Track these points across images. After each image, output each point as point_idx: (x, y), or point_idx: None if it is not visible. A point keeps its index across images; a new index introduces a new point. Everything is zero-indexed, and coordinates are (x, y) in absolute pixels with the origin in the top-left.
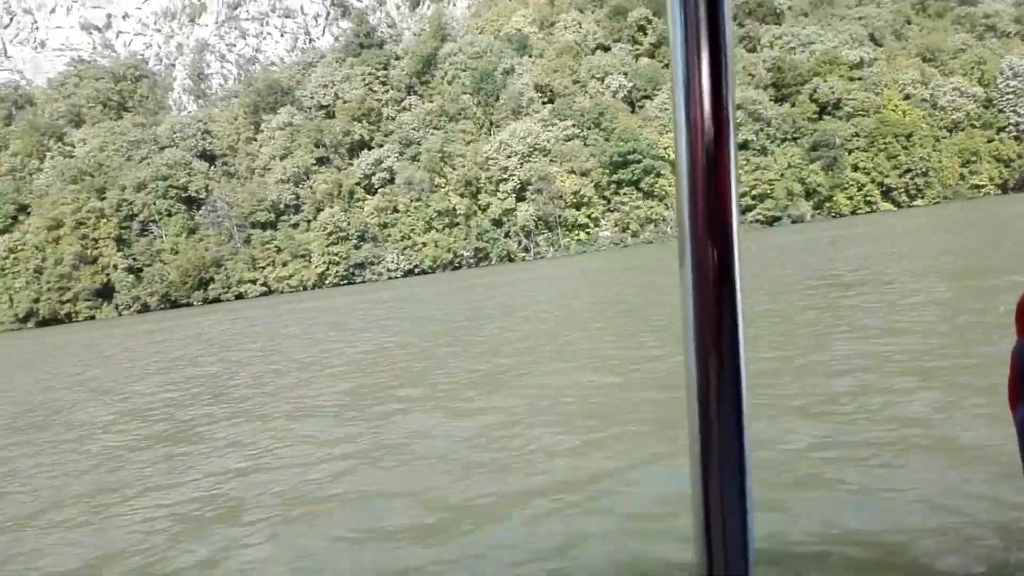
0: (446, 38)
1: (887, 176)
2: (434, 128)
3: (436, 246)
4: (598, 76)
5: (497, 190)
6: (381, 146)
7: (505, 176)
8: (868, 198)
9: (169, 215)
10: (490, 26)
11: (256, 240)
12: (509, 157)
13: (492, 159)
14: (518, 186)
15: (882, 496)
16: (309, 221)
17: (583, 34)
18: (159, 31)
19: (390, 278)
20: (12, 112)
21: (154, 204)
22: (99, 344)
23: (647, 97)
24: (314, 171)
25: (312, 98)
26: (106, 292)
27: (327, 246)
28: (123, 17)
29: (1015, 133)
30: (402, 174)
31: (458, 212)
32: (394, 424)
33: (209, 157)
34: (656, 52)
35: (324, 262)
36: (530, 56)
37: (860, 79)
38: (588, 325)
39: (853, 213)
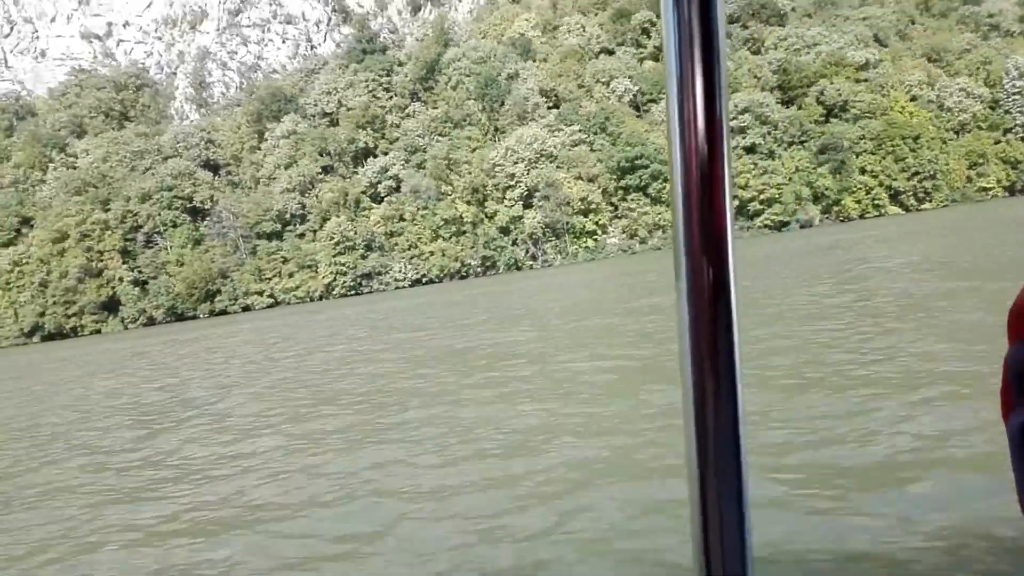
0: (449, 43)
1: (895, 179)
2: (439, 135)
3: (443, 255)
4: (603, 80)
5: (504, 197)
6: (386, 153)
7: (512, 183)
8: (876, 201)
9: (174, 226)
10: (493, 31)
11: (262, 251)
12: (516, 163)
13: (499, 166)
14: (525, 193)
15: None
16: (315, 231)
17: (587, 38)
18: (160, 39)
19: (397, 288)
20: (13, 123)
21: (159, 215)
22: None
23: (652, 101)
24: (319, 180)
25: (316, 105)
26: (112, 305)
27: (334, 256)
28: (123, 25)
29: (1022, 135)
30: (408, 182)
31: (465, 220)
32: None
33: (213, 167)
34: (660, 55)
35: (331, 272)
36: (534, 61)
37: (866, 80)
38: None
39: (861, 217)
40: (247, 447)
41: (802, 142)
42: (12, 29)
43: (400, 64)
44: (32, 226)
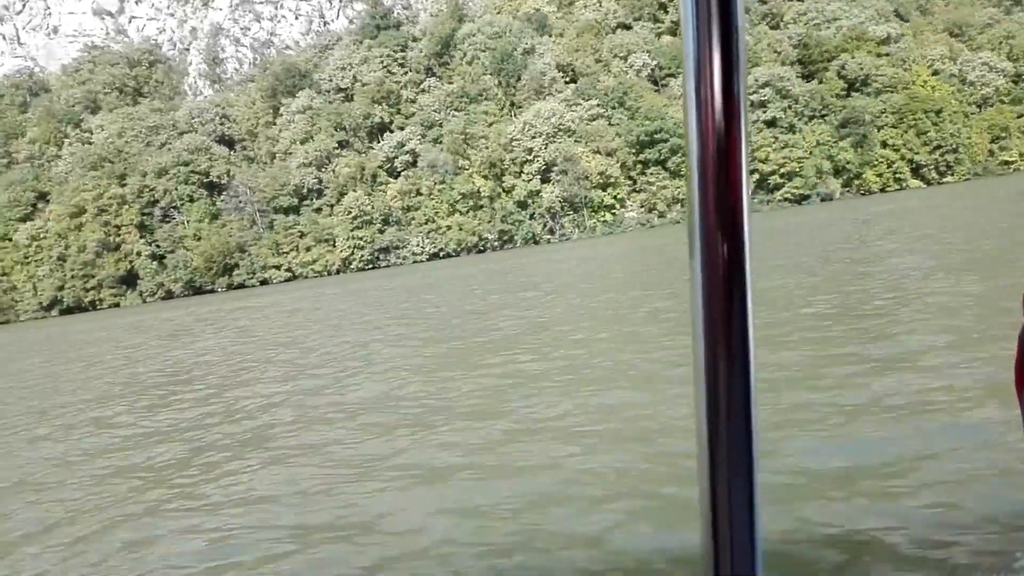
0: (463, 19)
1: (917, 153)
2: (455, 110)
3: (460, 229)
4: (621, 55)
5: (522, 171)
6: (402, 128)
7: (529, 157)
8: (898, 175)
9: (191, 200)
10: (508, 6)
11: (279, 225)
12: (534, 138)
13: (516, 140)
14: (543, 167)
15: None
16: (332, 205)
17: (603, 13)
18: (172, 15)
19: (415, 262)
20: (27, 99)
21: (176, 190)
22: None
23: (671, 76)
24: (336, 155)
25: (330, 81)
26: (130, 279)
27: (352, 230)
28: (136, 2)
29: None
30: (425, 157)
31: (482, 194)
32: None
33: (228, 142)
34: (678, 30)
35: (349, 246)
36: (550, 36)
37: (887, 55)
38: None
39: (882, 191)
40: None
41: (823, 116)
42: (24, 6)
43: (415, 40)
44: (48, 201)
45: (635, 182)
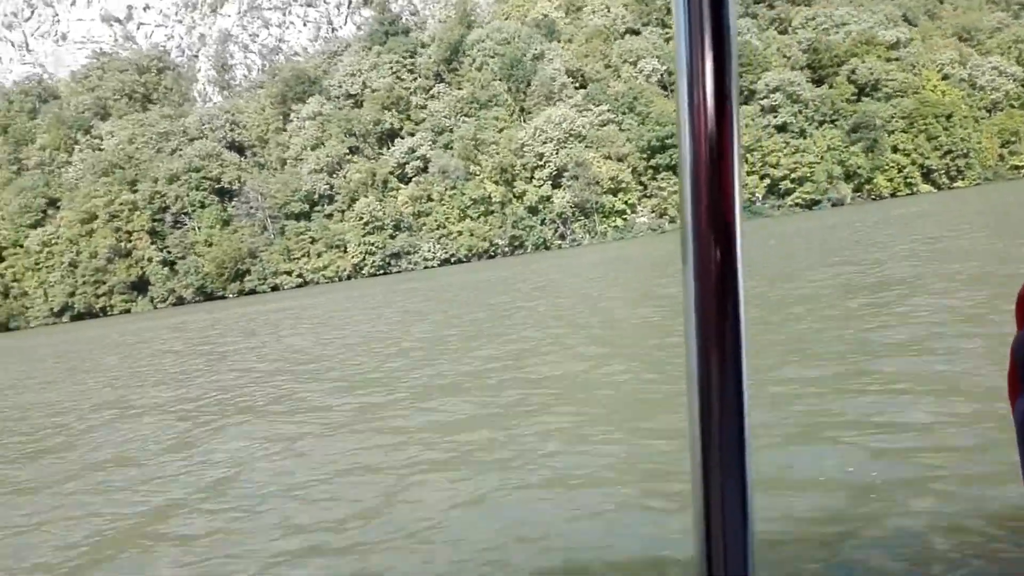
0: (472, 25)
1: (927, 157)
2: (465, 115)
3: (472, 235)
4: (630, 60)
5: (533, 177)
6: (412, 134)
7: (540, 163)
8: (908, 180)
9: (202, 206)
10: (516, 12)
11: (290, 231)
12: (545, 143)
13: (527, 145)
14: (554, 172)
15: None
16: (343, 211)
17: (612, 18)
18: (180, 22)
19: (426, 267)
20: (36, 106)
21: (187, 196)
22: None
23: None
24: (347, 160)
25: (340, 87)
26: (141, 285)
27: (363, 236)
28: (144, 9)
29: None
30: (436, 162)
31: (493, 200)
32: None
33: (238, 148)
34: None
35: (360, 252)
36: (559, 41)
37: (897, 59)
38: None
39: (893, 195)
40: None
41: (833, 121)
42: (33, 13)
43: (423, 46)
44: (59, 207)
45: (646, 187)
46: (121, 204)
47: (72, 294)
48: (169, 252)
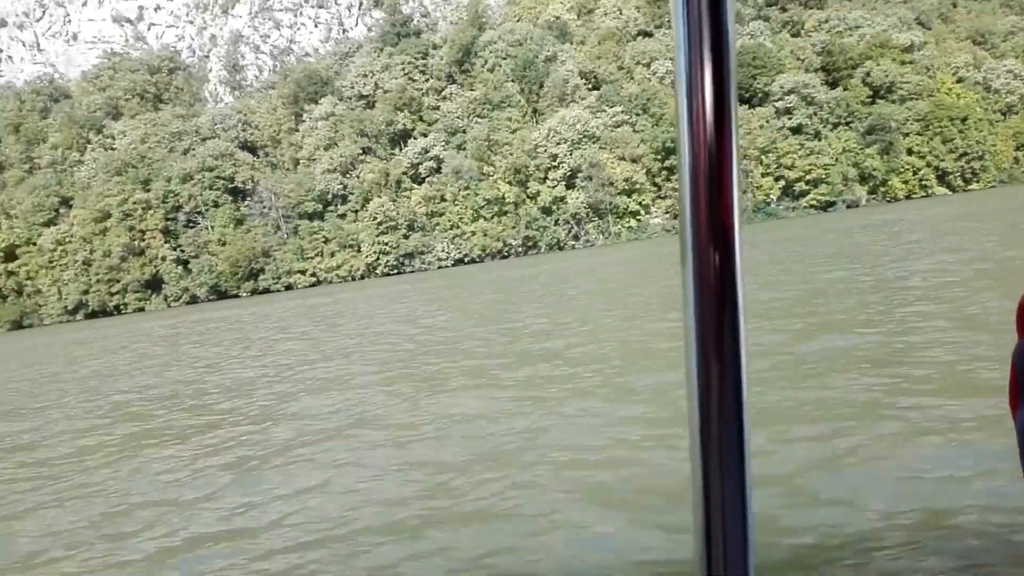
0: (483, 26)
1: (943, 160)
2: (478, 116)
3: (485, 235)
4: (644, 62)
5: (546, 178)
6: (425, 135)
7: (554, 164)
8: (923, 182)
9: (216, 206)
10: (527, 14)
11: (304, 230)
12: (559, 144)
13: (541, 146)
14: (568, 173)
15: None
16: (356, 211)
17: (624, 20)
18: (191, 23)
19: (440, 267)
20: (48, 105)
21: (200, 195)
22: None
23: None
24: (360, 161)
25: (352, 88)
26: (155, 284)
27: (377, 236)
28: (155, 9)
29: None
30: (450, 163)
31: (507, 200)
32: None
33: (251, 148)
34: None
35: (374, 252)
36: (571, 43)
37: (912, 62)
38: None
39: (908, 198)
40: None
41: (848, 123)
42: (44, 13)
43: (435, 47)
44: (71, 206)
45: (660, 188)
46: (134, 203)
47: (86, 292)
48: (183, 251)
